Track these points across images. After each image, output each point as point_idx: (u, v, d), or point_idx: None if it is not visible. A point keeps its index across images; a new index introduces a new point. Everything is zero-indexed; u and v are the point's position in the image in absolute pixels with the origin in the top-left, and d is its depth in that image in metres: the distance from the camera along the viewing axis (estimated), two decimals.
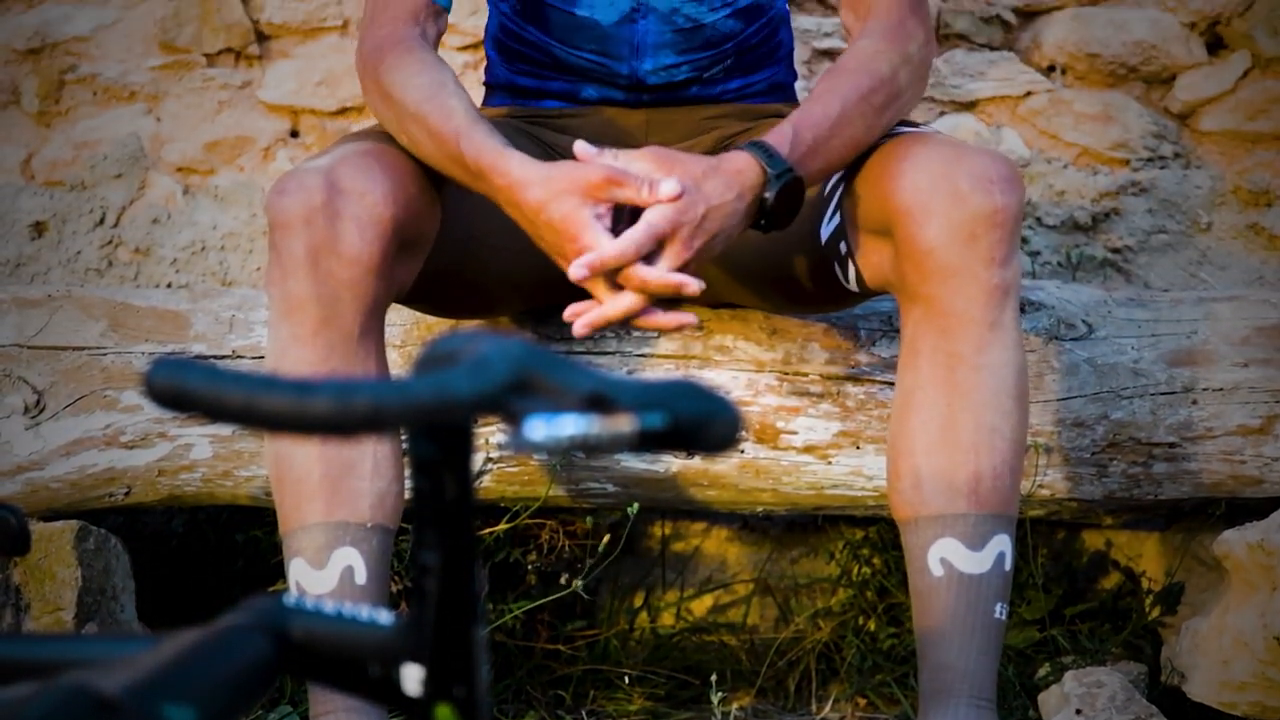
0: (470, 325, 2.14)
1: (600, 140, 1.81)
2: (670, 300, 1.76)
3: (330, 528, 1.79)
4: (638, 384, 0.75)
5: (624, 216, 1.77)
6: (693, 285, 1.73)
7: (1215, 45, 2.77)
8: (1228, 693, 2.07)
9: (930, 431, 1.80)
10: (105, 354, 2.16)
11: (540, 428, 0.74)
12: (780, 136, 1.79)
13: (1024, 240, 2.72)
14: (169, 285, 2.68)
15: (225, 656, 0.75)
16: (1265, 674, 2.01)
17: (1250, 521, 2.06)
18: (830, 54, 2.74)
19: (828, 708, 2.32)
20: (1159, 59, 2.75)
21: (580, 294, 1.79)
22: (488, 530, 2.23)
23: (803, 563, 2.60)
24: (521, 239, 1.82)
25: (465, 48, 2.71)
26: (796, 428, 2.13)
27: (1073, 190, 2.75)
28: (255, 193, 2.71)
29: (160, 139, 2.75)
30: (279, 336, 1.81)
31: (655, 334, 2.13)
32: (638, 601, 2.58)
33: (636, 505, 2.11)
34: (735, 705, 2.35)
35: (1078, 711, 2.02)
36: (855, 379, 2.14)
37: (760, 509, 2.22)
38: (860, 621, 2.44)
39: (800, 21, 2.72)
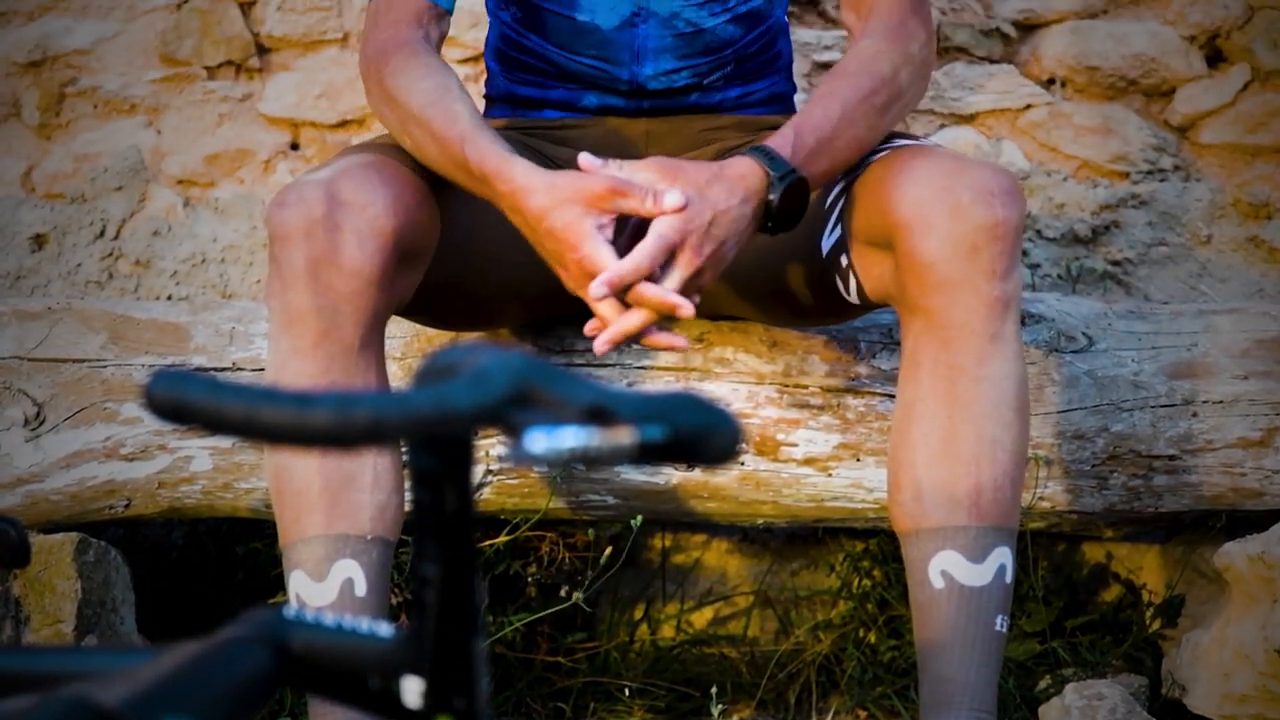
0: (470, 338, 2.14)
1: (601, 151, 1.81)
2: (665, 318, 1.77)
3: (330, 540, 1.79)
4: (638, 396, 0.75)
5: (626, 228, 1.77)
6: (686, 308, 1.73)
7: (1215, 58, 2.77)
8: (1229, 705, 2.06)
9: (931, 444, 1.79)
10: (105, 366, 2.16)
11: (540, 440, 0.74)
12: (782, 140, 1.79)
13: (1024, 253, 2.72)
14: (169, 297, 2.68)
15: (225, 669, 0.75)
16: (1266, 686, 2.01)
17: (1251, 534, 2.06)
18: (830, 67, 2.74)
19: None
20: (1159, 72, 2.75)
21: (579, 306, 1.79)
22: (488, 542, 2.23)
23: (803, 575, 2.60)
24: (522, 251, 1.82)
25: (465, 60, 2.71)
26: (797, 440, 2.13)
27: (1073, 203, 2.75)
28: (255, 205, 2.71)
29: (161, 151, 2.75)
30: (279, 349, 1.81)
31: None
32: (638, 614, 2.57)
33: (640, 518, 2.11)
34: (735, 718, 2.35)
35: None
36: (855, 391, 2.14)
37: (760, 521, 2.21)
38: (861, 634, 2.44)
39: (800, 34, 2.73)
